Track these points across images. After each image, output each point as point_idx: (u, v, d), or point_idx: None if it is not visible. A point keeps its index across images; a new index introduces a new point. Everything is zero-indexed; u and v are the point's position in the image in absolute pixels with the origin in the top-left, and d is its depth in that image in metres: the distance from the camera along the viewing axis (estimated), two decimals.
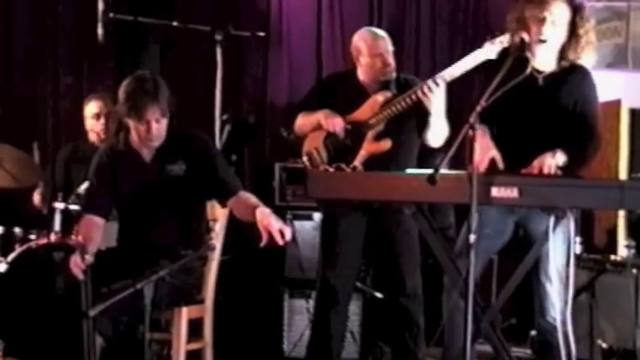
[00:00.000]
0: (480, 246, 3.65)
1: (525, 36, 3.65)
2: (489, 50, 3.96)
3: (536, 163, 3.62)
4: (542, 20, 3.69)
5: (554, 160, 3.63)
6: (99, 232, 3.95)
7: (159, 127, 3.86)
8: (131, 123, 3.88)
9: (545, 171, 3.60)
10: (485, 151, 3.64)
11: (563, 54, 3.78)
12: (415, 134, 4.66)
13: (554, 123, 3.76)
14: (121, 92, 3.87)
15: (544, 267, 3.62)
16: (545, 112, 3.76)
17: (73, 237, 3.80)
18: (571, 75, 3.80)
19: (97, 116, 5.27)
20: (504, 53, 3.82)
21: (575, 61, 3.81)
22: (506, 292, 3.66)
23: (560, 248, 3.59)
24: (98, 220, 3.97)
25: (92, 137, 5.33)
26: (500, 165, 3.69)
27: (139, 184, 3.96)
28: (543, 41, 3.69)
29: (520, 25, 3.76)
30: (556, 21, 3.71)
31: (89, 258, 3.54)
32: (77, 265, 3.56)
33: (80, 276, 3.52)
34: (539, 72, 3.74)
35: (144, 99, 3.79)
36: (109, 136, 5.05)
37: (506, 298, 3.70)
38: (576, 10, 3.75)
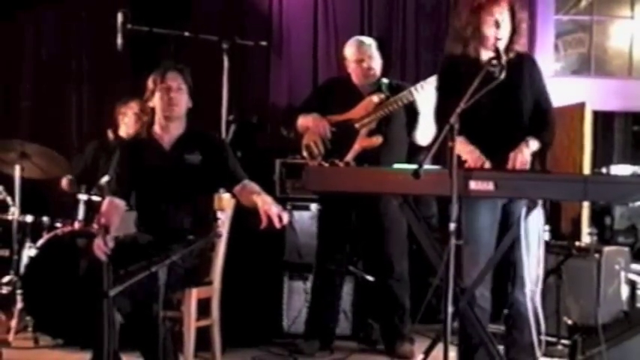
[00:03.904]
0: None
1: (499, 45, 3.64)
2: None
3: (512, 155, 3.60)
4: (496, 22, 3.69)
5: (528, 150, 3.62)
6: (119, 214, 3.93)
7: (178, 96, 3.92)
8: (155, 97, 3.92)
9: (518, 165, 3.59)
10: (476, 161, 3.63)
11: (510, 44, 3.75)
12: (404, 132, 4.69)
13: (518, 111, 3.72)
14: (149, 79, 3.97)
15: (524, 249, 3.62)
16: (507, 102, 3.71)
17: (96, 220, 3.78)
18: (522, 62, 3.77)
19: (138, 116, 5.22)
20: (443, 75, 3.89)
21: (519, 50, 3.77)
22: (483, 274, 3.66)
23: (536, 234, 3.59)
24: (119, 202, 3.95)
25: (123, 132, 5.28)
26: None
27: (159, 171, 3.94)
28: (500, 39, 3.68)
29: (475, 34, 3.74)
30: (504, 19, 3.70)
31: (111, 242, 3.52)
32: (100, 247, 3.54)
33: (103, 257, 3.50)
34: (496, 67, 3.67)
35: (167, 67, 3.97)
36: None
37: (483, 279, 3.70)
38: (512, 6, 3.74)
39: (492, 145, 3.67)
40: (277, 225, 3.55)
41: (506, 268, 3.77)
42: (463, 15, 3.79)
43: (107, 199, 3.98)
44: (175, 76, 3.93)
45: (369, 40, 4.80)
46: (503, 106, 3.70)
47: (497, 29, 3.68)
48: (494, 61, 3.52)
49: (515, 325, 3.78)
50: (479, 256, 3.67)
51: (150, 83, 3.96)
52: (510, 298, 3.79)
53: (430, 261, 3.57)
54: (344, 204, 4.66)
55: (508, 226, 3.67)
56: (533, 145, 3.65)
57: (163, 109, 3.94)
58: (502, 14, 3.70)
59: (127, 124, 5.26)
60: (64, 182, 5.24)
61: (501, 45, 3.66)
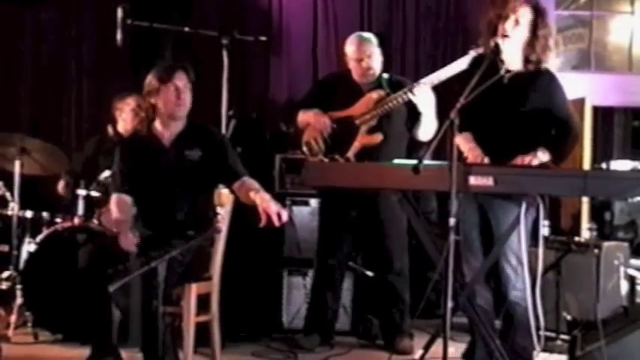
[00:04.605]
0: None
1: (499, 40, 3.61)
2: (464, 61, 3.97)
3: (519, 161, 3.57)
4: (506, 18, 3.65)
5: (536, 160, 3.57)
6: (129, 209, 3.92)
7: (185, 96, 3.91)
8: (160, 95, 3.90)
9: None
10: (475, 159, 3.62)
11: (527, 54, 3.72)
12: (404, 129, 4.67)
13: (520, 121, 3.68)
14: (150, 76, 3.95)
15: (503, 251, 3.62)
16: (508, 110, 3.67)
17: (114, 216, 3.78)
18: (538, 78, 3.71)
19: (135, 112, 5.19)
20: (475, 63, 3.80)
21: (540, 64, 3.71)
22: (481, 271, 3.65)
23: (517, 234, 3.58)
24: (126, 198, 3.94)
25: (121, 128, 5.26)
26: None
27: (159, 167, 3.93)
28: (506, 36, 3.64)
29: (489, 27, 3.71)
30: (519, 20, 3.64)
31: (136, 234, 3.53)
32: (129, 240, 3.57)
33: (133, 249, 3.51)
34: (506, 71, 3.66)
35: (173, 66, 3.97)
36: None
37: (480, 276, 3.69)
38: (538, 14, 3.69)
39: (492, 148, 3.64)
40: (276, 223, 3.53)
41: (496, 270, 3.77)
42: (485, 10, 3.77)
43: (115, 197, 3.96)
44: (182, 76, 3.92)
45: (369, 37, 4.75)
46: (502, 114, 3.67)
47: (504, 24, 3.63)
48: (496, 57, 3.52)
49: (508, 325, 3.78)
50: (467, 252, 3.66)
51: (154, 81, 3.93)
52: (506, 299, 3.79)
53: (430, 256, 3.56)
54: (344, 199, 4.65)
55: (489, 224, 3.68)
56: (543, 156, 3.61)
57: (170, 108, 3.91)
58: (516, 13, 3.65)
59: (124, 120, 5.24)
60: (60, 186, 5.22)
61: (508, 43, 3.61)
